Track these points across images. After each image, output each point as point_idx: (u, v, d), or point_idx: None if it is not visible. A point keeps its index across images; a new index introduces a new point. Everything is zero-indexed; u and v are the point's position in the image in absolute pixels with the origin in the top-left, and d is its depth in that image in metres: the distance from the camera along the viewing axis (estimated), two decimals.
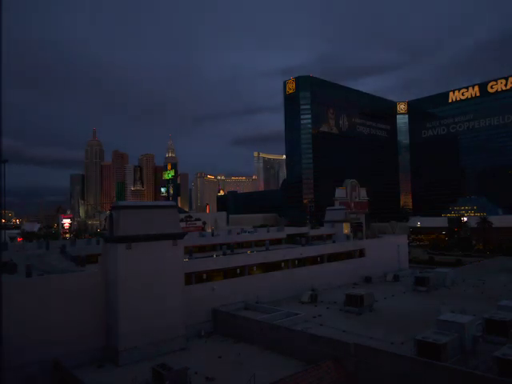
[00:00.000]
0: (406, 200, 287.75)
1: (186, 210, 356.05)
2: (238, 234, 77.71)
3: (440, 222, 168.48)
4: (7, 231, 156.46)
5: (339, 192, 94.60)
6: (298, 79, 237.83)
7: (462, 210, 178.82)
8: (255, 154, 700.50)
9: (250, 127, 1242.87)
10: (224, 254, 50.06)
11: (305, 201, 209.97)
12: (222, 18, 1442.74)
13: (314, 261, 54.16)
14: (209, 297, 39.33)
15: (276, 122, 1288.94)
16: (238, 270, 44.49)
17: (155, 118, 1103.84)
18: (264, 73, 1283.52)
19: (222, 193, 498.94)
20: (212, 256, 50.91)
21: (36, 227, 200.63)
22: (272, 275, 47.22)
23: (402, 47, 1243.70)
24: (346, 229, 78.99)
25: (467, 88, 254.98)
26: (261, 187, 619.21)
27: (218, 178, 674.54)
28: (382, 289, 51.83)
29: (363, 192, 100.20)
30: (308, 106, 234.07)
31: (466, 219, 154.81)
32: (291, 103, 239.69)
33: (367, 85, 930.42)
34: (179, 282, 34.62)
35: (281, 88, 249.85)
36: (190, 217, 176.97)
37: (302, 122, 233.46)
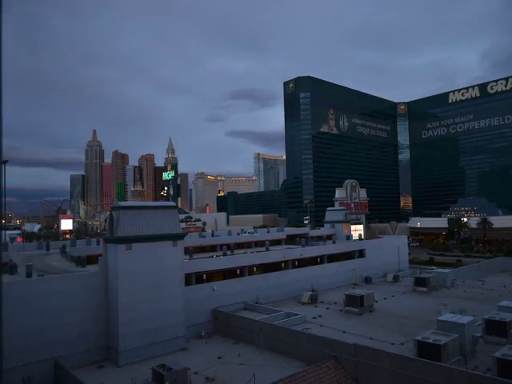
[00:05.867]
0: (406, 200, 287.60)
1: (186, 210, 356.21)
2: (238, 234, 77.72)
3: (440, 222, 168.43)
4: (8, 232, 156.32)
5: (339, 192, 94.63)
6: (297, 79, 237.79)
7: (462, 210, 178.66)
8: (255, 154, 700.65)
9: (250, 127, 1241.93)
10: (224, 255, 50.06)
11: (305, 201, 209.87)
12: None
13: (314, 261, 54.14)
14: (209, 297, 39.33)
15: (276, 122, 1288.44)
16: (238, 271, 44.48)
17: (155, 117, 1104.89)
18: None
19: (222, 193, 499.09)
20: (212, 256, 50.91)
21: (36, 228, 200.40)
22: (272, 276, 47.21)
23: None
24: (346, 229, 79.02)
25: (467, 89, 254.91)
26: (261, 187, 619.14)
27: (218, 178, 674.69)
28: (382, 289, 51.85)
29: (363, 192, 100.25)
30: (308, 106, 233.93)
31: (466, 219, 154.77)
32: (291, 103, 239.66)
33: None
34: (179, 283, 34.62)
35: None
36: (190, 217, 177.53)
37: (301, 122, 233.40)
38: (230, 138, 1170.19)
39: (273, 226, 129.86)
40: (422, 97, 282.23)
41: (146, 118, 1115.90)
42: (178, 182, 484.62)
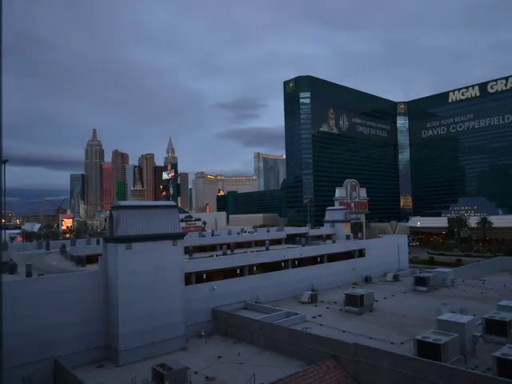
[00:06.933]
0: (406, 200, 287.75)
1: (186, 210, 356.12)
2: (238, 234, 77.76)
3: (440, 221, 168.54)
4: (8, 231, 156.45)
5: (339, 192, 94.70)
6: (297, 79, 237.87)
7: (462, 209, 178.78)
8: (255, 154, 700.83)
9: (250, 126, 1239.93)
10: (224, 254, 50.07)
11: (305, 200, 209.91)
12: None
13: (313, 261, 54.09)
14: (209, 297, 39.30)
15: (276, 122, 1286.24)
16: (238, 270, 44.45)
17: (155, 117, 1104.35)
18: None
19: (221, 193, 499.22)
20: (212, 256, 50.92)
21: (36, 227, 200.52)
22: (272, 275, 47.17)
23: None
24: (346, 229, 79.05)
25: (467, 88, 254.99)
26: (261, 187, 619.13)
27: (218, 177, 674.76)
28: (382, 288, 51.81)
29: (363, 192, 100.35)
30: (308, 106, 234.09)
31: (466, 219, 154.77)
32: (291, 103, 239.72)
33: None
34: (179, 282, 34.59)
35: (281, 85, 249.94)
36: (190, 217, 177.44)
37: (301, 121, 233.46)
38: (231, 136, 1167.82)
39: (273, 226, 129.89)
40: (424, 96, 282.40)
41: (148, 114, 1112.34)
42: (178, 182, 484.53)
